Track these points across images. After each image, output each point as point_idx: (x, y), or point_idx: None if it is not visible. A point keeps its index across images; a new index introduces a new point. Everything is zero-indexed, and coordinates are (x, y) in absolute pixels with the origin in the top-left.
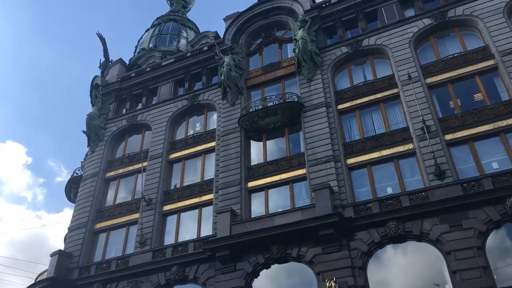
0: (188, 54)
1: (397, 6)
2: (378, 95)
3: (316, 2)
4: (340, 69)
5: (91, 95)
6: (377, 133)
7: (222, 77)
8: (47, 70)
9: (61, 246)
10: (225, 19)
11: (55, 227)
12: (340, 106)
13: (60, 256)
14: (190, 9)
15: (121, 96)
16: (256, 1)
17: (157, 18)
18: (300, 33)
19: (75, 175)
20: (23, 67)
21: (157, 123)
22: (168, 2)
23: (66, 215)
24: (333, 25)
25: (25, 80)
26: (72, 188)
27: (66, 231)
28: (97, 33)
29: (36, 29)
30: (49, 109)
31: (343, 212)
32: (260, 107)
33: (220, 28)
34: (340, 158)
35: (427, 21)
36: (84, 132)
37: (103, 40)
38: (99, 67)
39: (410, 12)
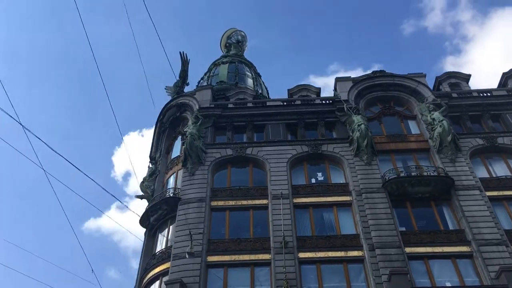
0: (298, 102)
1: None
2: None
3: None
4: (474, 157)
5: (164, 114)
6: None
7: (357, 135)
8: None
9: None
10: (337, 80)
11: None
12: (489, 193)
13: (180, 287)
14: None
15: (220, 123)
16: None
17: (225, 56)
18: (437, 115)
19: (169, 195)
20: None
21: (275, 162)
22: (221, 44)
23: None
24: (460, 116)
25: None
26: (160, 209)
27: None
28: (180, 53)
29: None
30: None
31: None
32: (413, 173)
33: None
34: (508, 244)
35: None
36: (185, 150)
37: (185, 61)
38: (173, 86)
39: None
